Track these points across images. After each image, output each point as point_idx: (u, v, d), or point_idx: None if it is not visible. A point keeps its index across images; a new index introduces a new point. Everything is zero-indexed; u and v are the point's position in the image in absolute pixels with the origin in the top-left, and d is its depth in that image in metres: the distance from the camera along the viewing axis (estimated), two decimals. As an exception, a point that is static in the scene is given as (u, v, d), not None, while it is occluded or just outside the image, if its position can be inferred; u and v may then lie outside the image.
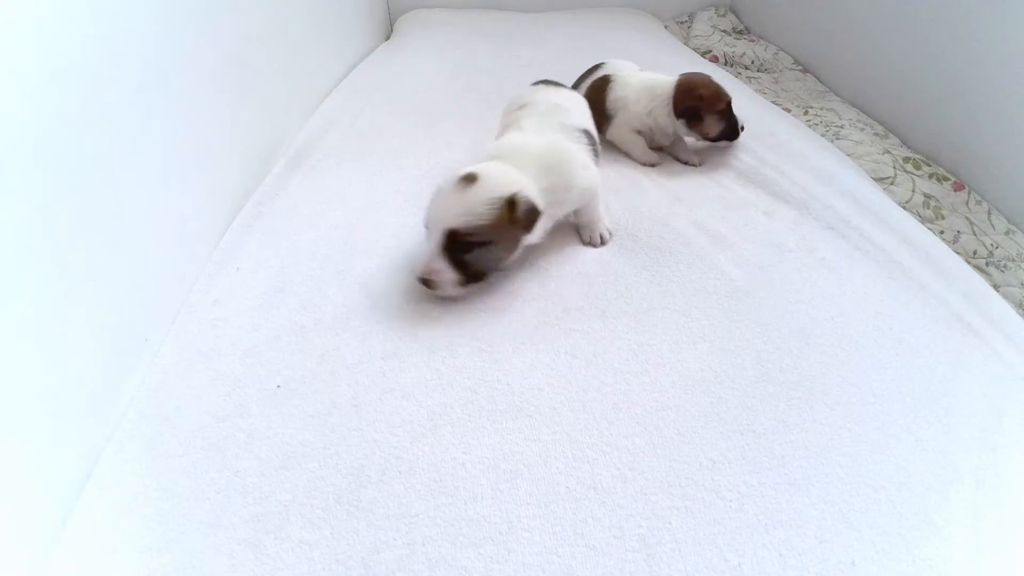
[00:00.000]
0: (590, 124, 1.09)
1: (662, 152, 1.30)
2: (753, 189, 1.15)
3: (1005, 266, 1.17)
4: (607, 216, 1.05)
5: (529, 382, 0.78)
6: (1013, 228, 1.22)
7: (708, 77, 1.25)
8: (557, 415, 0.73)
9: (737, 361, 0.80)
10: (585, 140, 1.02)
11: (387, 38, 2.16)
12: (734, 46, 2.09)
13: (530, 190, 0.88)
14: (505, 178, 0.88)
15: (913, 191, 1.32)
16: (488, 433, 0.71)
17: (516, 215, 0.85)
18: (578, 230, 1.04)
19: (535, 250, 0.99)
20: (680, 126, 1.24)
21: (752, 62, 2.04)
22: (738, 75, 1.95)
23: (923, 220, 1.23)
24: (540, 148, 0.95)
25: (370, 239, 1.02)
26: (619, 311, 0.89)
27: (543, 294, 0.92)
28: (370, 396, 0.76)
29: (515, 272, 0.97)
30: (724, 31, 2.22)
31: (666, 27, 2.28)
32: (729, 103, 1.23)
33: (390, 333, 0.85)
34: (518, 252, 0.91)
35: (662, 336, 0.84)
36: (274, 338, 0.84)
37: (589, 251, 1.01)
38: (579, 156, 0.98)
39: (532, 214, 0.87)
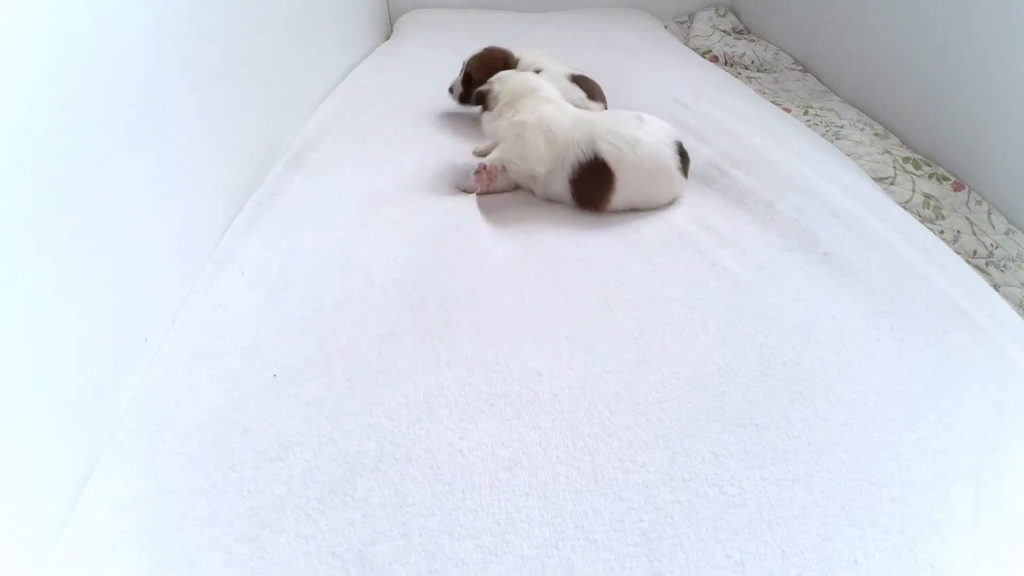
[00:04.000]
0: None
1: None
2: (754, 187, 1.14)
3: (1005, 266, 1.16)
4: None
5: (528, 366, 0.77)
6: (1013, 228, 1.22)
7: None
8: (557, 402, 0.73)
9: (739, 355, 0.80)
10: None
11: (387, 38, 2.17)
12: (734, 46, 2.09)
13: (502, 90, 1.14)
14: (517, 78, 1.16)
15: (913, 191, 1.32)
16: (486, 418, 0.71)
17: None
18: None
19: (535, 232, 1.03)
20: None
21: (752, 62, 2.04)
22: (738, 75, 1.95)
23: (923, 220, 1.22)
24: None
25: (371, 239, 1.02)
26: (620, 299, 0.89)
27: (543, 279, 0.92)
28: (366, 378, 0.76)
29: (513, 255, 0.98)
30: (724, 31, 2.22)
31: (666, 27, 2.29)
32: None
33: (387, 311, 0.85)
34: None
35: (664, 326, 0.84)
36: (273, 334, 0.84)
37: (589, 236, 1.02)
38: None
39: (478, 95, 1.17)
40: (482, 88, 1.16)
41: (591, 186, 1.07)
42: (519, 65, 1.41)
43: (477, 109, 1.23)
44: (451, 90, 1.44)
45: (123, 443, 0.71)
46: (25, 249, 0.63)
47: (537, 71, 1.35)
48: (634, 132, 1.06)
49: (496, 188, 1.12)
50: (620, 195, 1.06)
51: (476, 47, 1.46)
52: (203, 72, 1.02)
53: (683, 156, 1.10)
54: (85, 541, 0.62)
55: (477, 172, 1.08)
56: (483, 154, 1.16)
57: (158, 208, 0.87)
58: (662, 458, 0.67)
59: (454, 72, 1.44)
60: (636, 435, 0.70)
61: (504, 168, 1.09)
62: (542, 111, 1.10)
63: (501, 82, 1.15)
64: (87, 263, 0.72)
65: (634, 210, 1.09)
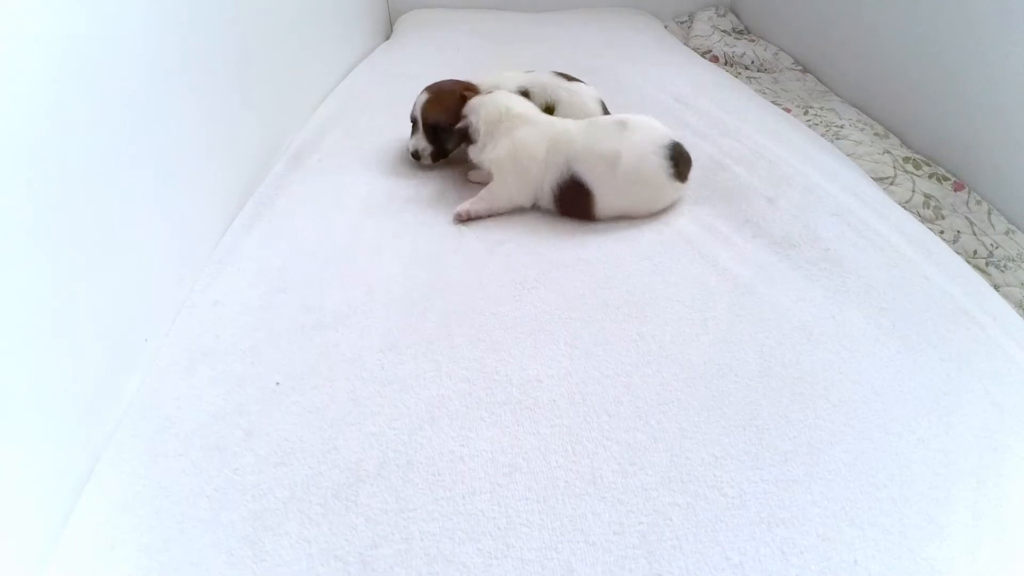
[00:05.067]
0: None
1: None
2: (755, 186, 1.14)
3: (1005, 266, 1.16)
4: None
5: (528, 373, 0.78)
6: (1013, 228, 1.22)
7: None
8: (556, 407, 0.73)
9: (739, 355, 0.80)
10: None
11: (387, 38, 2.16)
12: (734, 46, 2.09)
13: (479, 120, 1.10)
14: (488, 105, 1.12)
15: (913, 191, 1.32)
16: (486, 426, 0.71)
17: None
18: None
19: (534, 233, 1.03)
20: None
21: (752, 62, 2.04)
22: (738, 75, 1.95)
23: (923, 220, 1.22)
24: None
25: (371, 239, 1.02)
26: (620, 300, 0.89)
27: (543, 281, 0.92)
28: (368, 389, 0.76)
29: (513, 256, 0.98)
30: (724, 31, 2.22)
31: (666, 27, 2.28)
32: None
33: (389, 325, 0.85)
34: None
35: (663, 327, 0.84)
36: (274, 336, 0.84)
37: (589, 237, 1.02)
38: None
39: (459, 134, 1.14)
40: (459, 126, 1.12)
41: (573, 202, 1.05)
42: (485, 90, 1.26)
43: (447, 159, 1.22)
44: (416, 155, 1.20)
45: (123, 443, 0.71)
46: (25, 249, 0.63)
47: (526, 92, 1.24)
48: (613, 146, 1.02)
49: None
50: (603, 207, 1.04)
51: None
52: (203, 72, 1.02)
53: (678, 159, 1.05)
54: (85, 541, 0.62)
55: (457, 214, 1.07)
56: (478, 182, 1.15)
57: (158, 208, 0.87)
58: (661, 460, 0.67)
59: (454, 73, 1.34)
60: (635, 438, 0.70)
61: (490, 212, 1.08)
62: (515, 139, 1.07)
63: (475, 113, 1.11)
64: (87, 263, 0.72)
65: (628, 218, 1.07)
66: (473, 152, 1.13)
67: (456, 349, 0.81)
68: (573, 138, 1.06)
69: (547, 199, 1.08)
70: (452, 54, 1.81)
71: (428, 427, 0.71)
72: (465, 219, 1.07)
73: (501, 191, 1.08)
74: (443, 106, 1.18)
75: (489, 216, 1.09)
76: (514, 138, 1.08)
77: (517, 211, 1.10)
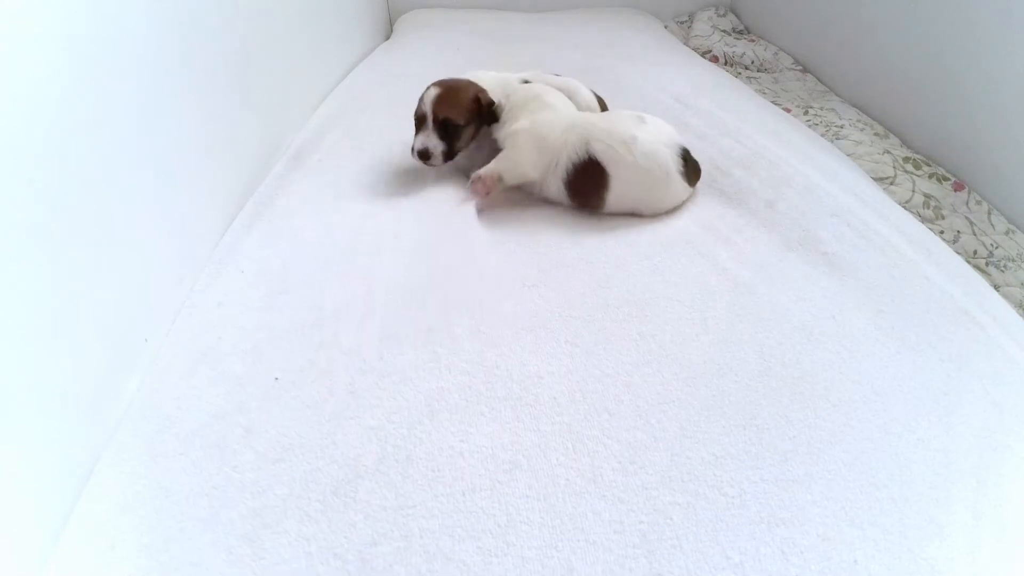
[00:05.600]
0: None
1: None
2: (755, 186, 1.14)
3: (1005, 266, 1.16)
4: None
5: (528, 369, 0.77)
6: (1013, 228, 1.22)
7: None
8: (557, 405, 0.73)
9: (739, 355, 0.80)
10: None
11: (387, 38, 2.17)
12: (734, 46, 2.09)
13: (508, 102, 1.16)
14: (521, 91, 1.17)
15: (913, 191, 1.32)
16: (486, 421, 0.71)
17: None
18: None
19: (535, 233, 1.03)
20: None
21: (752, 62, 2.04)
22: (738, 75, 1.95)
23: (923, 220, 1.22)
24: None
25: (371, 239, 1.02)
26: (620, 300, 0.89)
27: (543, 279, 0.92)
28: (367, 381, 0.76)
29: (514, 256, 0.98)
30: (724, 31, 2.22)
31: (666, 27, 2.29)
32: None
33: (388, 318, 0.85)
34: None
35: (664, 327, 0.84)
36: (275, 337, 0.83)
37: (589, 237, 1.02)
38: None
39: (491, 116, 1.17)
40: (494, 108, 1.16)
41: (586, 186, 1.06)
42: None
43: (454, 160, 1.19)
44: (426, 155, 1.10)
45: (123, 443, 0.71)
46: (25, 249, 0.63)
47: (525, 82, 1.25)
48: (631, 131, 1.05)
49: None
50: (615, 193, 1.05)
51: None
52: (203, 72, 1.02)
53: (688, 162, 1.08)
54: (85, 541, 0.62)
55: (473, 182, 1.08)
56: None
57: (158, 208, 0.87)
58: (661, 459, 0.67)
59: (453, 72, 1.29)
60: (636, 437, 0.70)
61: (500, 177, 1.08)
62: (535, 118, 1.11)
63: (506, 97, 1.17)
64: (87, 263, 0.72)
65: (635, 215, 1.08)
66: (495, 129, 1.16)
67: (456, 341, 0.81)
68: (592, 121, 1.10)
69: (558, 183, 1.08)
70: (452, 54, 1.81)
71: (427, 421, 0.71)
72: (483, 192, 1.07)
73: (512, 157, 1.09)
74: (456, 102, 1.11)
75: (502, 184, 1.08)
76: (535, 118, 1.11)
77: (518, 210, 1.10)
